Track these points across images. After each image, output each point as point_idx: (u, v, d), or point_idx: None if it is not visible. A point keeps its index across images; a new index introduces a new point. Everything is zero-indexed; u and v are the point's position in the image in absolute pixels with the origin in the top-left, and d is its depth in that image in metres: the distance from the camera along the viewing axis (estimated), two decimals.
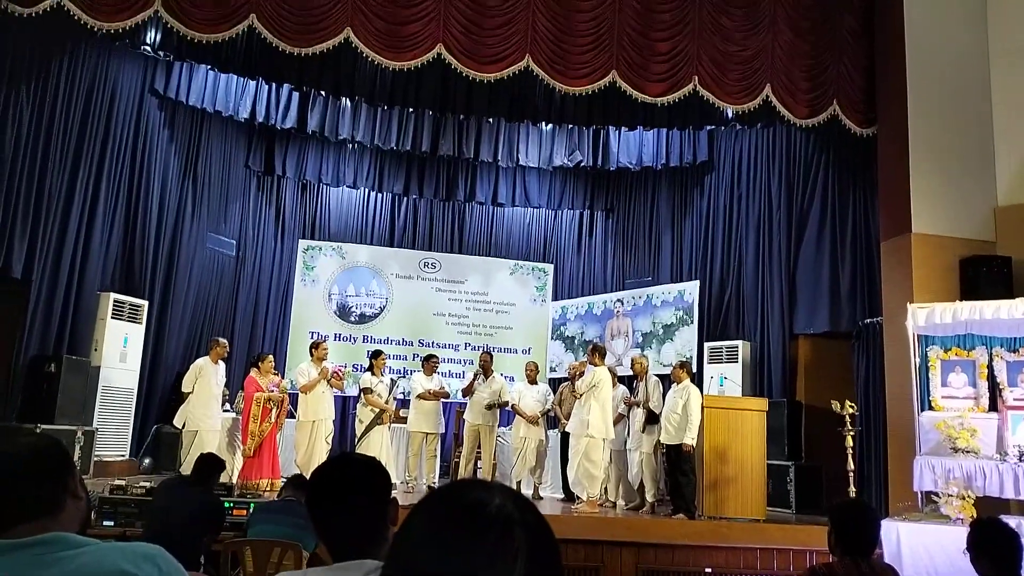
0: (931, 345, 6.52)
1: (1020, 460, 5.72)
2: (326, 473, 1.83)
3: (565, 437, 7.89)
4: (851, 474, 6.47)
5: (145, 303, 8.31)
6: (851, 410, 6.44)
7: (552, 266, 11.40)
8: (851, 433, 6.45)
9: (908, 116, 7.06)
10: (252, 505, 5.20)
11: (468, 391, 8.44)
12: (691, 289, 9.69)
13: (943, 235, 6.89)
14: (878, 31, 7.62)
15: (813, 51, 7.62)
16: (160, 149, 8.74)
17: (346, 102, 9.45)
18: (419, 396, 8.36)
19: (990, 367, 6.34)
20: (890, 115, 7.36)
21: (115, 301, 7.90)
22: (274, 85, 8.95)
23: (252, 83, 8.97)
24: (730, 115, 7.99)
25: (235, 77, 8.76)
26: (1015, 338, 6.31)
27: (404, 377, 9.16)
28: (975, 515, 5.43)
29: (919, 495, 6.16)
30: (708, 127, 9.01)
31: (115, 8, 6.64)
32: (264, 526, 4.20)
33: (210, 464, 4.83)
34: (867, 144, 7.72)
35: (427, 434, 8.34)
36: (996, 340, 6.38)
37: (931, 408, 6.39)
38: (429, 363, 8.65)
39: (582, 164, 10.25)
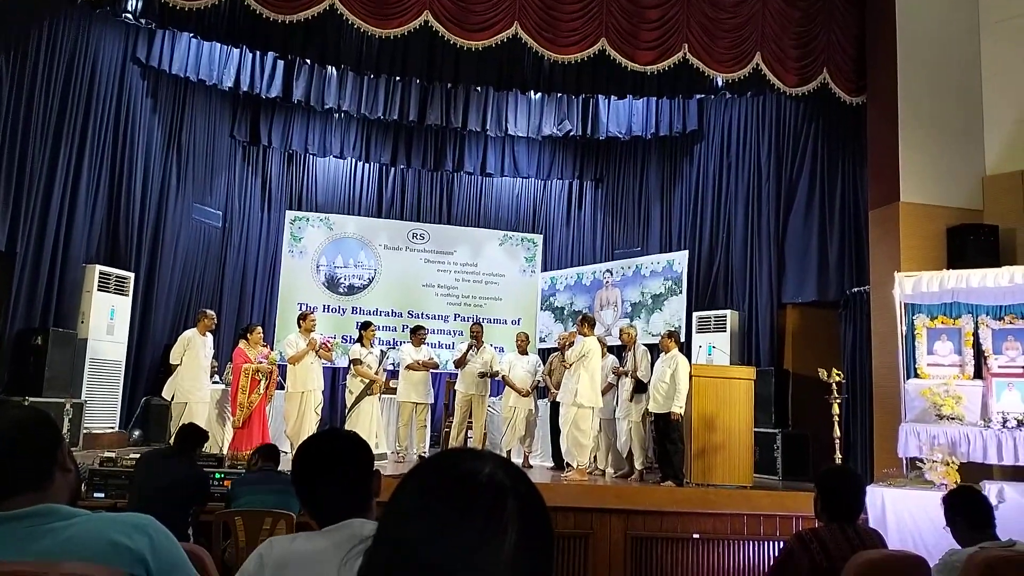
0: (917, 313, 6.57)
1: (1004, 426, 5.81)
2: (314, 447, 1.91)
3: (555, 407, 7.94)
4: (837, 441, 6.55)
5: (131, 275, 8.25)
6: (838, 378, 6.50)
7: (541, 236, 11.38)
8: (837, 401, 6.52)
9: (898, 85, 7.04)
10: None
11: (461, 362, 8.45)
12: (680, 259, 9.71)
13: (931, 204, 6.91)
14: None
15: (803, 19, 7.57)
16: (143, 119, 8.61)
17: (332, 71, 9.33)
18: (408, 367, 8.38)
19: (975, 335, 6.40)
20: (880, 84, 7.34)
21: (101, 273, 7.84)
22: (258, 53, 8.81)
23: (236, 51, 8.83)
24: (720, 84, 7.95)
25: (219, 45, 8.63)
26: (1000, 306, 6.37)
27: (394, 348, 9.17)
28: (959, 481, 5.52)
29: (904, 461, 6.25)
30: (698, 96, 8.96)
31: None
32: (250, 497, 4.21)
33: (191, 435, 4.79)
34: (856, 113, 7.70)
35: (417, 404, 8.38)
36: (982, 308, 6.43)
37: (917, 376, 6.45)
38: (417, 334, 8.65)
39: (571, 133, 10.19)
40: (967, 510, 3.09)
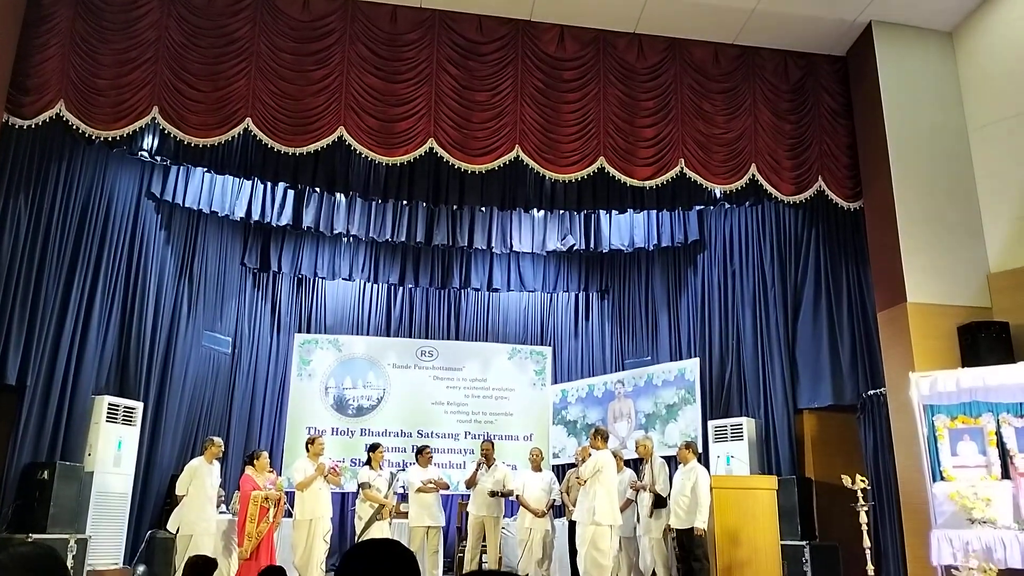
0: (937, 414, 6.45)
1: None
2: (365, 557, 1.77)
3: (572, 526, 7.68)
4: (868, 551, 6.29)
5: (140, 405, 8.20)
6: (862, 484, 6.30)
7: (550, 349, 11.37)
8: (864, 508, 6.30)
9: (893, 189, 7.21)
10: None
11: (472, 482, 8.26)
12: (691, 367, 9.65)
13: (939, 303, 6.92)
14: (856, 110, 7.87)
15: (795, 131, 7.84)
16: (156, 250, 8.80)
17: (340, 197, 9.60)
18: (418, 490, 8.17)
19: (998, 433, 6.26)
20: (875, 189, 7.52)
21: (109, 404, 7.80)
22: (269, 183, 9.10)
23: (247, 182, 9.12)
24: (718, 195, 8.14)
25: (231, 177, 8.92)
26: (1021, 403, 6.26)
27: (403, 470, 8.98)
28: None
29: (939, 569, 5.98)
30: (698, 207, 9.14)
31: (113, 117, 6.83)
32: None
33: (199, 568, 4.63)
34: (856, 217, 7.86)
35: (429, 528, 8.12)
36: (1002, 406, 6.31)
37: (943, 479, 6.27)
38: (423, 455, 8.49)
39: (575, 248, 10.36)
40: None
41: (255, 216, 9.39)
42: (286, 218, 9.54)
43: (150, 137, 7.52)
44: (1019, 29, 7.17)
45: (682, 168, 7.54)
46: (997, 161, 7.24)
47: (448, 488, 8.87)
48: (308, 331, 10.84)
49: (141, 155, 7.82)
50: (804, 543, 7.53)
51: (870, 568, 6.25)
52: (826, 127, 7.87)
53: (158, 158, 7.90)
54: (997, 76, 7.36)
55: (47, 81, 6.74)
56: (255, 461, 7.54)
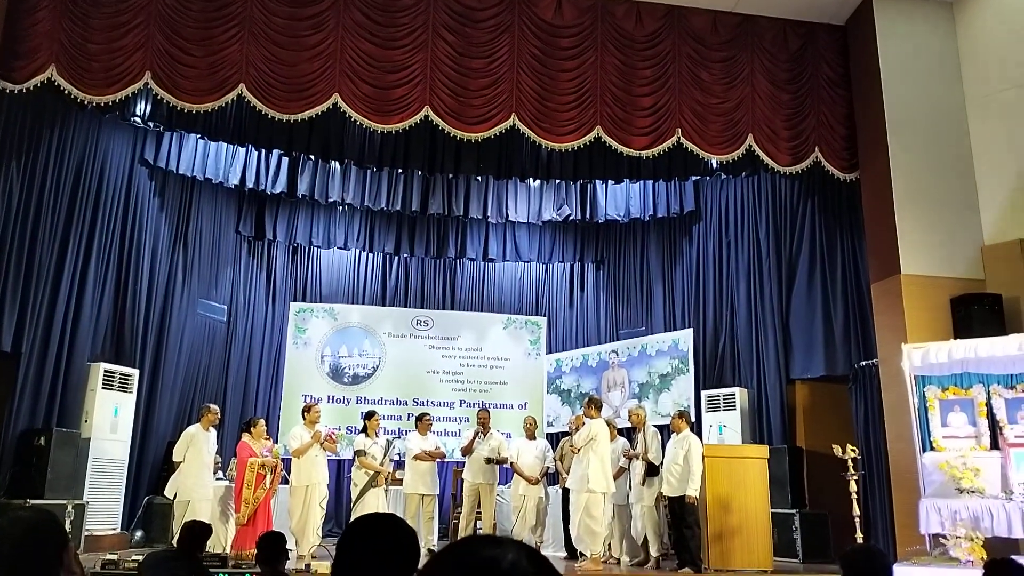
0: (928, 385, 6.51)
1: None
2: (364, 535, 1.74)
3: (566, 493, 7.77)
4: (857, 520, 6.37)
5: (136, 372, 8.23)
6: (853, 454, 6.38)
7: (545, 319, 11.40)
8: (854, 478, 6.38)
9: (890, 161, 7.20)
10: None
11: (468, 450, 8.32)
12: (685, 337, 9.69)
13: (932, 275, 6.95)
14: (855, 80, 7.82)
15: (792, 100, 7.80)
16: (150, 218, 8.76)
17: (335, 165, 9.53)
18: (415, 457, 8.24)
19: (989, 405, 6.33)
20: (872, 161, 7.50)
21: (105, 371, 7.82)
22: (264, 151, 9.02)
23: (242, 149, 9.05)
24: (715, 165, 8.11)
25: (225, 144, 8.84)
26: (1011, 375, 6.32)
27: (399, 438, 9.03)
28: (984, 556, 5.34)
29: (927, 538, 6.08)
30: (694, 177, 9.13)
31: (105, 82, 6.75)
32: None
33: (194, 533, 4.63)
34: (852, 188, 7.85)
35: (424, 495, 8.20)
36: (993, 378, 6.38)
37: (933, 449, 6.35)
38: (423, 422, 8.53)
39: (571, 218, 10.34)
40: None
41: (249, 184, 9.33)
42: (281, 186, 9.47)
43: (143, 103, 7.45)
44: (1020, 1, 7.10)
45: (679, 138, 7.51)
46: (994, 133, 7.22)
47: (444, 457, 8.94)
48: (303, 300, 10.83)
49: (134, 121, 7.75)
50: (794, 511, 7.63)
51: (859, 536, 6.35)
52: (824, 97, 7.83)
53: (151, 124, 7.83)
54: (996, 48, 7.31)
55: (38, 45, 6.65)
56: (252, 428, 7.57)
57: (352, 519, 7.43)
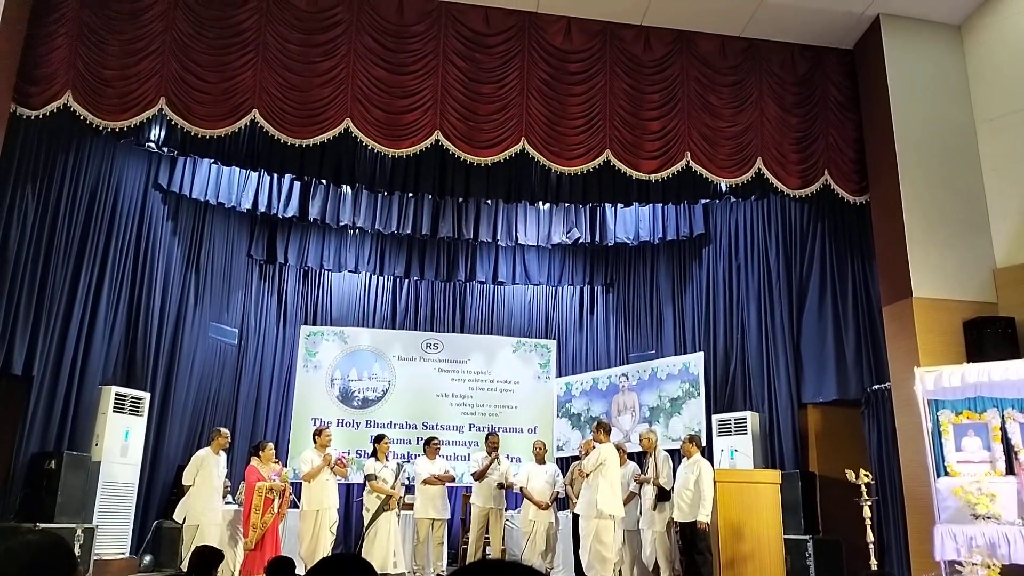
0: (941, 409, 6.44)
1: None
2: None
3: (576, 518, 7.70)
4: (871, 546, 6.29)
5: (147, 395, 8.25)
6: (866, 479, 6.31)
7: (555, 342, 11.38)
8: (868, 503, 6.31)
9: (900, 184, 7.18)
10: None
11: (481, 475, 8.25)
12: (696, 361, 9.65)
13: (944, 298, 6.91)
14: (864, 103, 7.84)
15: (801, 124, 7.82)
16: (163, 242, 8.83)
17: (346, 189, 9.60)
18: (424, 481, 8.20)
19: (1003, 429, 6.25)
20: (882, 183, 7.49)
21: (116, 394, 7.84)
22: (276, 175, 9.10)
23: (254, 174, 9.13)
24: (724, 188, 8.12)
25: (237, 169, 8.93)
26: None
27: (409, 462, 9.00)
28: None
29: (942, 565, 5.98)
30: (703, 201, 9.14)
31: (120, 107, 6.85)
32: None
33: (204, 558, 4.63)
34: (861, 211, 7.83)
35: (434, 520, 8.15)
36: (1007, 402, 6.31)
37: (947, 474, 6.27)
38: (431, 446, 8.49)
39: (580, 241, 10.36)
40: None
41: (261, 208, 9.40)
42: (292, 210, 9.54)
43: (157, 128, 7.55)
44: None
45: (688, 161, 7.54)
46: (1004, 155, 7.21)
47: (454, 481, 8.89)
48: (314, 323, 10.86)
49: (148, 146, 7.84)
50: (807, 537, 7.53)
51: (873, 563, 6.26)
52: (832, 121, 7.84)
53: (165, 149, 7.92)
54: (1005, 70, 7.32)
55: (55, 71, 6.76)
56: (260, 452, 7.57)
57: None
